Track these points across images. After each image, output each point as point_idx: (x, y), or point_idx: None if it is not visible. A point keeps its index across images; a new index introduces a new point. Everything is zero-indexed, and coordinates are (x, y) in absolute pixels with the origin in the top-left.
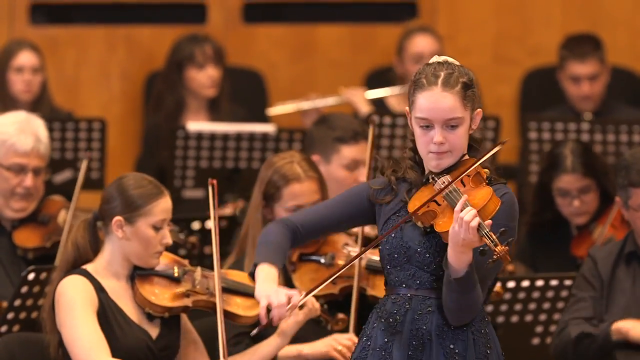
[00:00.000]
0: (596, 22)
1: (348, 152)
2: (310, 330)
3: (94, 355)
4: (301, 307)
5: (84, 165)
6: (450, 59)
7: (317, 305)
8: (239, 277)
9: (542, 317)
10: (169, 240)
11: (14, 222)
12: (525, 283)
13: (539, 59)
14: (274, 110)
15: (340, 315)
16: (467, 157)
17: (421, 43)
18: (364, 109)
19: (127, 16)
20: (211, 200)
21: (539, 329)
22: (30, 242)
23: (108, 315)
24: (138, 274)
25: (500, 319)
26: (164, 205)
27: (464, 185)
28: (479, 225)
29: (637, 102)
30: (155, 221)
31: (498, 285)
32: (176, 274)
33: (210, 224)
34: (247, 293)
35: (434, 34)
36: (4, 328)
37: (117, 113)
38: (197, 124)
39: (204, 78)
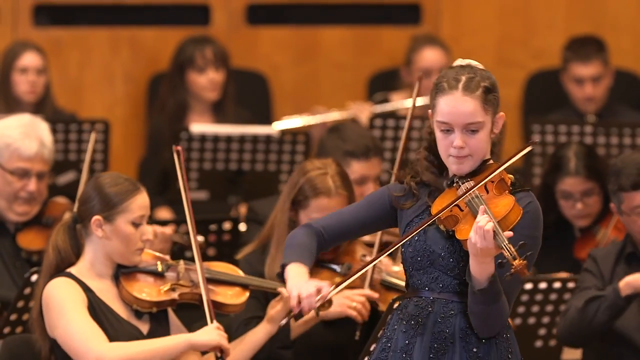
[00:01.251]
0: (600, 25)
1: (358, 167)
2: None
3: (92, 344)
4: (328, 302)
5: (92, 138)
6: (473, 63)
7: None
8: (223, 267)
9: (545, 319)
10: (149, 236)
11: (17, 224)
12: (528, 285)
13: (543, 61)
14: (280, 125)
15: None
16: (491, 161)
17: (429, 56)
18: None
19: (131, 18)
20: (178, 167)
21: (542, 331)
22: (34, 244)
23: (98, 314)
24: (122, 272)
25: None
26: (141, 201)
27: (488, 192)
28: (496, 235)
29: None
30: (134, 217)
31: None
32: (160, 269)
33: (180, 188)
34: (232, 282)
35: (442, 46)
36: (6, 329)
37: (120, 115)
38: (200, 126)
39: (204, 81)
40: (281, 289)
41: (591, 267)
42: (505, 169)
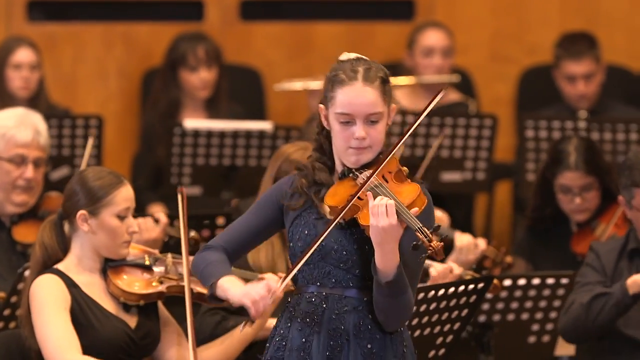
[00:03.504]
0: (593, 20)
1: None
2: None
3: (63, 352)
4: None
5: (90, 143)
6: (362, 56)
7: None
8: None
9: (539, 315)
10: (135, 228)
11: (13, 217)
12: (522, 281)
13: (536, 57)
14: (280, 87)
15: None
16: (382, 155)
17: (432, 37)
18: None
19: (125, 13)
20: (180, 207)
21: (535, 327)
22: (30, 237)
23: (84, 308)
24: (110, 265)
25: (497, 317)
26: (125, 193)
27: (387, 182)
28: (402, 214)
29: (633, 101)
30: (118, 210)
31: (495, 280)
32: (147, 262)
33: (181, 233)
34: None
35: (446, 30)
36: (0, 324)
37: (114, 110)
38: (193, 121)
39: (196, 80)
40: (262, 276)
41: (593, 261)
42: (400, 161)
